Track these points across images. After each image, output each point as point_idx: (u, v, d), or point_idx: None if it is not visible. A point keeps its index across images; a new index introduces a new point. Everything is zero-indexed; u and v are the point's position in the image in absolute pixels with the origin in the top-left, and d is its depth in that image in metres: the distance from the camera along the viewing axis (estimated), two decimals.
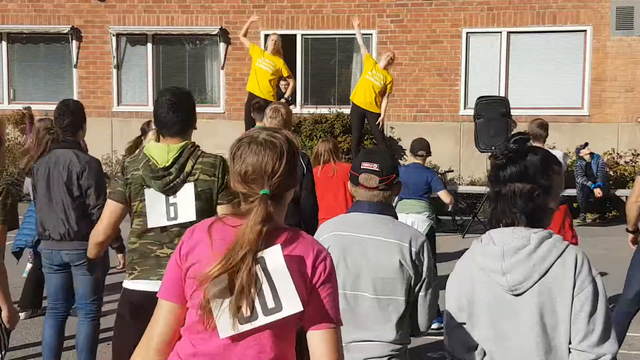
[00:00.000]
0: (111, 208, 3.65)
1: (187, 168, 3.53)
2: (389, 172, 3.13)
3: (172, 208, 3.52)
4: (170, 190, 3.52)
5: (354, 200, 3.49)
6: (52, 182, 4.92)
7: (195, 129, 3.77)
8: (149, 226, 3.54)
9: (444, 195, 7.16)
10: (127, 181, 3.58)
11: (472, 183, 13.30)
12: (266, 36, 13.94)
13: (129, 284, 3.59)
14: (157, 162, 3.53)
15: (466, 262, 2.52)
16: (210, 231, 2.21)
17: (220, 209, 3.54)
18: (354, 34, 13.55)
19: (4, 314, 3.87)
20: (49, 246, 5.00)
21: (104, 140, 13.79)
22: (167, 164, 3.52)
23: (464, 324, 2.46)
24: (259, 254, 2.11)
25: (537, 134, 6.97)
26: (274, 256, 2.11)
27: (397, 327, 3.04)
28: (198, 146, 3.67)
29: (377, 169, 3.12)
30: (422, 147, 7.14)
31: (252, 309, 2.09)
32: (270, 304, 2.10)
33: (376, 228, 3.07)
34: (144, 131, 6.53)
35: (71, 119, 5.01)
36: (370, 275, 3.04)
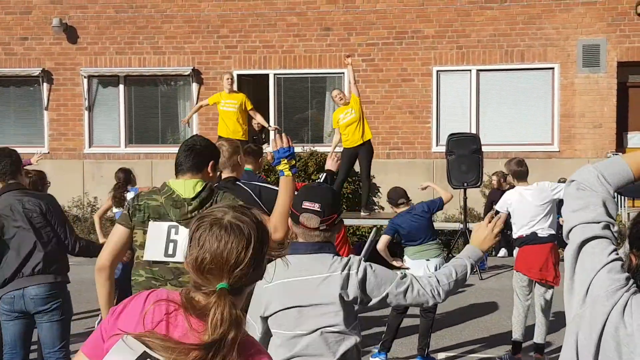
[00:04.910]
0: (118, 232, 3.70)
1: (208, 205, 3.59)
2: (330, 212, 3.03)
3: (171, 245, 3.55)
4: (185, 221, 3.55)
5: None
6: (6, 225, 4.80)
7: (214, 172, 3.88)
8: (145, 258, 3.58)
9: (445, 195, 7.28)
10: (138, 207, 3.65)
11: (446, 220, 13.34)
12: (239, 76, 14.02)
13: None
14: (182, 194, 3.62)
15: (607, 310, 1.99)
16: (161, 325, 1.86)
17: None
18: (326, 73, 13.66)
19: None
20: (12, 287, 4.78)
21: (75, 183, 13.65)
22: (191, 196, 3.61)
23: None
24: None
25: (520, 172, 7.08)
26: None
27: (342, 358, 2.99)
28: (218, 187, 3.81)
29: (319, 209, 3.01)
30: (400, 195, 7.18)
31: None
32: None
33: (315, 267, 3.01)
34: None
35: (8, 159, 4.90)
36: (315, 312, 2.99)
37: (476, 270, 10.83)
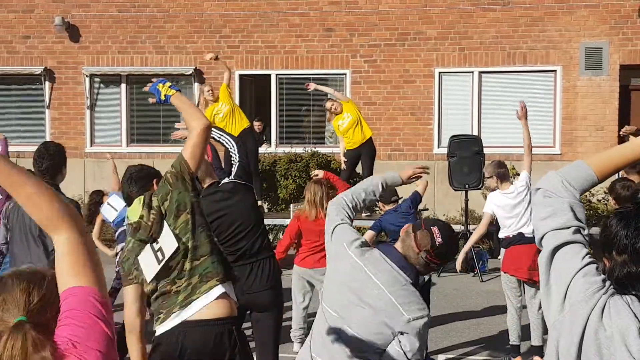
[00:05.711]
0: (129, 291, 3.75)
1: (154, 203, 3.69)
2: (440, 257, 3.00)
3: (159, 253, 3.65)
4: (152, 232, 3.65)
5: None
6: (26, 227, 4.80)
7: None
8: (149, 280, 3.65)
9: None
10: (124, 259, 3.77)
11: (447, 221, 13.32)
12: (241, 76, 14.03)
13: (160, 329, 3.66)
14: (135, 218, 3.74)
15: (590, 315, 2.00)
16: None
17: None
18: (328, 74, 13.73)
19: None
20: None
21: (76, 182, 13.65)
22: (141, 212, 3.72)
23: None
24: None
25: (501, 174, 7.14)
26: None
27: None
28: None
29: (437, 246, 2.97)
30: (392, 193, 7.14)
31: None
32: None
33: (391, 283, 2.94)
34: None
35: (50, 162, 4.93)
36: (357, 316, 2.96)
37: (477, 272, 10.82)
